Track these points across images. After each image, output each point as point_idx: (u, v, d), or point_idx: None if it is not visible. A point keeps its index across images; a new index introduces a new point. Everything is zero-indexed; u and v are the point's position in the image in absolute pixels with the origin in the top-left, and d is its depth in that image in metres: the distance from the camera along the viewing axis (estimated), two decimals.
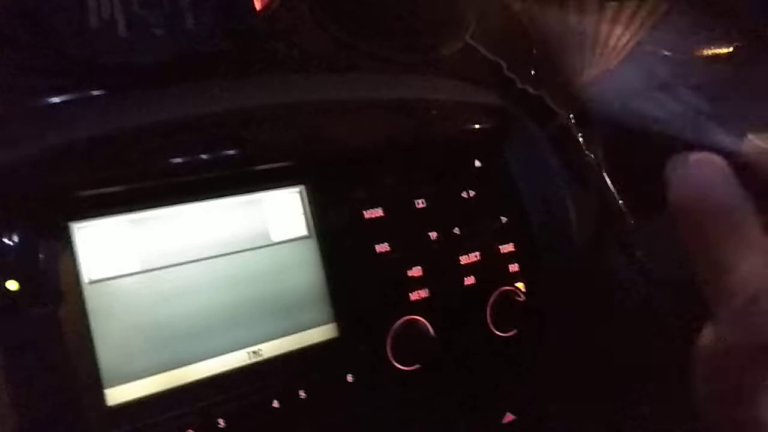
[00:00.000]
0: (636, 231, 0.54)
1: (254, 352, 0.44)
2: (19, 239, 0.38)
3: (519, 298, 0.51)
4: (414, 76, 0.52)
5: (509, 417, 0.52)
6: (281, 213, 0.47)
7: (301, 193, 0.47)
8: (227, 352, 0.43)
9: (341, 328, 0.47)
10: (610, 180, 0.54)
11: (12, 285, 0.38)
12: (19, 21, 0.40)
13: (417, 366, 0.48)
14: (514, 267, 0.52)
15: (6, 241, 0.38)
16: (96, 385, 0.39)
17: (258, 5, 0.45)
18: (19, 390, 0.37)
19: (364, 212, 0.48)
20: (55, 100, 0.41)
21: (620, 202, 0.54)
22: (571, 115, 0.55)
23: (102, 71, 0.42)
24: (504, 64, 0.54)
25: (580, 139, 0.54)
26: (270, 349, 0.45)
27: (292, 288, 0.46)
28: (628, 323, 0.56)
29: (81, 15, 0.40)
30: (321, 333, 0.46)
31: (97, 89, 0.42)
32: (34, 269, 0.39)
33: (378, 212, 0.49)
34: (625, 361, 0.54)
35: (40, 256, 0.39)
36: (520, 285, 0.52)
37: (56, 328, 0.39)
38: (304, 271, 0.47)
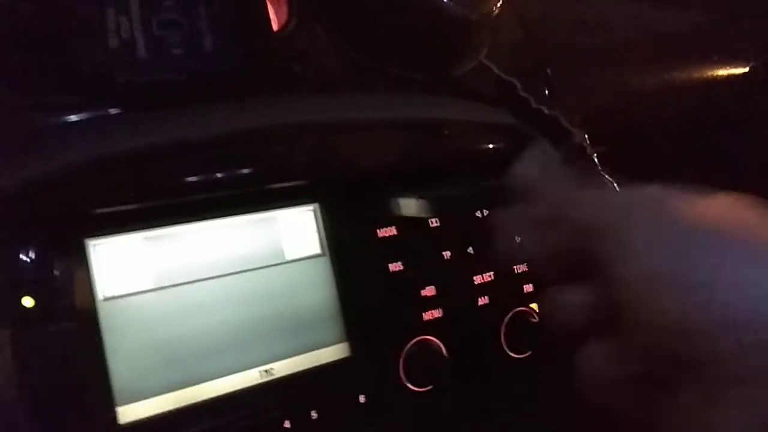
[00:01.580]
0: None
1: (266, 371, 0.44)
2: (35, 256, 0.39)
3: (533, 319, 0.51)
4: (428, 96, 0.52)
5: None
6: (295, 231, 0.47)
7: (314, 211, 0.48)
8: (239, 370, 0.43)
9: (353, 347, 0.46)
10: None
11: (27, 301, 0.38)
12: (38, 40, 0.41)
13: (430, 387, 0.47)
14: (528, 287, 0.52)
15: (22, 257, 0.38)
16: (108, 403, 0.39)
17: (275, 26, 0.46)
18: (31, 406, 0.37)
19: (378, 231, 0.48)
20: (73, 118, 0.42)
21: None
22: (587, 135, 0.54)
23: (120, 90, 0.42)
24: (518, 84, 0.54)
25: (596, 159, 0.54)
26: (282, 368, 0.44)
27: (305, 306, 0.46)
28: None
29: (100, 35, 0.41)
30: (333, 352, 0.46)
31: (114, 108, 0.42)
32: (50, 286, 0.39)
33: (392, 231, 0.48)
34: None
35: (56, 272, 0.39)
36: (534, 306, 0.51)
37: (70, 344, 0.39)
38: (317, 289, 0.46)
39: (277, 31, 0.47)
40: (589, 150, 0.53)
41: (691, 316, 0.25)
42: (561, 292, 0.32)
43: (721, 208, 0.28)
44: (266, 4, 0.46)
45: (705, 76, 0.70)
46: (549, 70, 0.58)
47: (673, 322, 0.26)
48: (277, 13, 0.47)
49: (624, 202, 0.30)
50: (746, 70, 0.73)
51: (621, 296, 0.28)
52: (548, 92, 0.57)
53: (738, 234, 0.26)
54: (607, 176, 0.53)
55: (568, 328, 0.32)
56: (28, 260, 0.39)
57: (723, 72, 0.71)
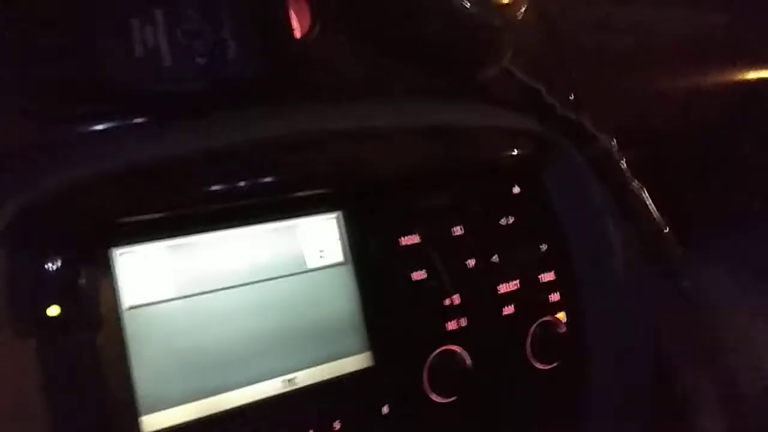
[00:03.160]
0: (683, 259, 0.52)
1: (289, 380, 0.44)
2: (61, 265, 0.39)
3: (560, 329, 0.50)
4: (452, 102, 0.52)
5: None
6: (318, 240, 0.46)
7: (337, 219, 0.47)
8: (262, 379, 0.43)
9: (377, 357, 0.46)
10: (655, 206, 0.53)
11: (53, 310, 0.38)
12: (65, 49, 0.41)
13: (454, 398, 0.46)
14: (554, 296, 0.51)
15: (47, 267, 0.39)
16: (132, 412, 0.39)
17: (298, 33, 0.46)
18: (56, 415, 0.37)
19: (401, 239, 0.48)
20: (98, 127, 0.42)
21: (666, 229, 0.52)
22: (614, 140, 0.53)
23: (144, 99, 0.42)
24: (543, 89, 0.53)
25: (623, 164, 0.53)
26: (305, 377, 0.44)
27: (328, 315, 0.46)
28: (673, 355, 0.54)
29: (125, 44, 0.41)
30: (356, 362, 0.46)
31: (139, 117, 0.42)
32: (75, 295, 0.39)
33: (415, 239, 0.48)
34: (668, 394, 0.52)
35: (81, 282, 0.39)
36: (561, 315, 0.50)
37: (95, 353, 0.39)
38: (340, 298, 0.46)
39: (300, 39, 0.46)
40: (616, 155, 0.52)
41: None
42: None
43: None
44: (289, 11, 0.46)
45: (733, 79, 0.69)
46: (574, 75, 0.57)
47: None
48: (300, 21, 0.47)
49: None
50: None
51: None
52: (573, 97, 0.56)
53: None
54: (635, 182, 0.52)
55: None
56: (54, 270, 0.39)
57: (752, 75, 0.70)
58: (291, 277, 0.45)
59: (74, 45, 0.41)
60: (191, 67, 0.42)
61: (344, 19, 0.50)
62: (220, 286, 0.43)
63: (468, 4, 0.47)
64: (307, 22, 0.47)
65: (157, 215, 0.41)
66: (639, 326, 0.53)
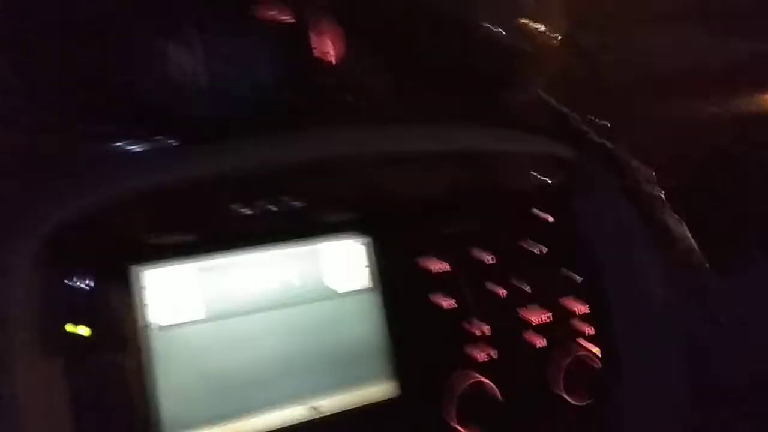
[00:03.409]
0: (716, 286, 0.50)
1: (314, 408, 0.43)
2: (89, 284, 0.39)
3: (594, 364, 0.48)
4: (482, 127, 0.51)
5: None
6: (345, 264, 0.46)
7: (365, 244, 0.46)
8: (286, 405, 0.42)
9: (403, 386, 0.45)
10: (692, 234, 0.51)
11: (80, 330, 0.38)
12: (101, 72, 0.42)
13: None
14: (589, 330, 0.49)
15: (75, 286, 0.39)
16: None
17: (330, 58, 0.46)
18: None
19: (429, 265, 0.47)
20: (130, 147, 0.42)
21: (700, 255, 0.51)
22: (649, 167, 0.52)
23: (177, 122, 0.43)
24: (576, 116, 0.53)
25: (658, 192, 0.51)
26: (330, 405, 0.43)
27: (354, 341, 0.45)
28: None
29: (162, 67, 0.41)
30: (381, 391, 0.44)
31: (171, 139, 0.43)
32: (103, 314, 0.39)
33: (443, 266, 0.47)
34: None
35: (108, 301, 0.39)
36: (594, 349, 0.48)
37: (121, 372, 0.39)
38: (366, 323, 0.45)
39: (332, 64, 0.46)
40: (652, 182, 0.51)
41: None
42: None
43: None
44: (320, 37, 0.46)
45: None
46: (609, 102, 0.56)
47: None
48: (331, 46, 0.47)
49: None
50: None
51: None
52: (608, 124, 0.55)
53: None
54: (671, 210, 0.51)
55: None
56: (81, 288, 0.39)
57: None
58: (319, 302, 0.45)
59: (111, 68, 0.42)
60: (224, 92, 0.43)
61: (376, 45, 0.50)
62: (248, 309, 0.43)
63: (500, 31, 0.47)
64: (339, 47, 0.47)
65: (186, 236, 0.41)
66: (675, 359, 0.51)
